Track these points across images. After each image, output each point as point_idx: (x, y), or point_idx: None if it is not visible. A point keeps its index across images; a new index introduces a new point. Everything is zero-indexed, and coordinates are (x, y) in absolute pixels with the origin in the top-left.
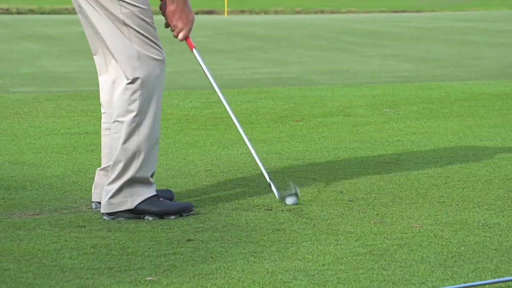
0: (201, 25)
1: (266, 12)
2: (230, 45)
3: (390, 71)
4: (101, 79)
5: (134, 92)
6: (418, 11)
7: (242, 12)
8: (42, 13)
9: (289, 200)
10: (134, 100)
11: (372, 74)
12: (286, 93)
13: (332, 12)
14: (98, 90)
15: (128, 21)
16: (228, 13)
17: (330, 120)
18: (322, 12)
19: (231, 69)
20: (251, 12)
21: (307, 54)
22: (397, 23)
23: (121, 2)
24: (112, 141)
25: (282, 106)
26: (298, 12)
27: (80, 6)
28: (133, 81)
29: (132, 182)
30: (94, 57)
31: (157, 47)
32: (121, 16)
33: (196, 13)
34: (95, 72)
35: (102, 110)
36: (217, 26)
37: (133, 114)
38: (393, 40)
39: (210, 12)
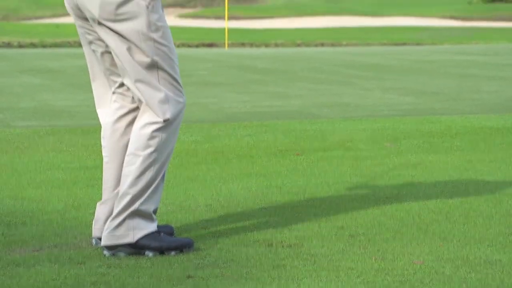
0: (201, 58)
1: (266, 45)
2: (230, 78)
3: (390, 104)
4: (101, 112)
5: (157, 129)
6: (418, 44)
7: (243, 45)
8: (44, 46)
9: None
10: (155, 137)
11: (373, 108)
12: (286, 127)
13: (332, 45)
14: (99, 124)
15: (161, 63)
16: (229, 45)
17: (331, 154)
18: (322, 44)
19: (232, 102)
20: (251, 45)
21: (307, 87)
22: (397, 56)
23: (156, 44)
24: (124, 173)
25: (282, 140)
26: (298, 45)
27: (99, 40)
28: (161, 122)
29: (135, 215)
30: (93, 83)
31: (180, 88)
32: (155, 57)
33: (197, 46)
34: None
35: (103, 144)
36: (218, 59)
37: (151, 149)
38: (393, 73)
39: (210, 45)
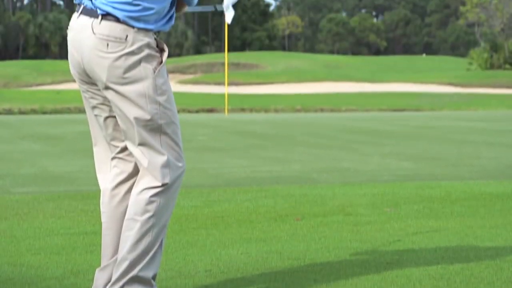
0: (202, 124)
1: (266, 111)
2: (230, 143)
3: (390, 169)
4: (101, 177)
5: (155, 194)
6: (417, 110)
7: (243, 110)
8: (44, 113)
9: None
10: (153, 202)
11: (372, 173)
12: (286, 192)
13: (332, 111)
14: (99, 189)
15: (164, 126)
16: (229, 111)
17: (331, 219)
18: (322, 110)
19: (232, 167)
20: (251, 110)
21: (307, 152)
22: (397, 122)
23: (161, 107)
24: (123, 238)
25: (282, 205)
26: (298, 110)
27: (104, 104)
28: (160, 186)
29: (134, 281)
30: (95, 148)
31: (181, 153)
32: (159, 121)
33: (197, 111)
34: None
35: (102, 209)
36: (218, 125)
37: (150, 214)
38: (393, 138)
39: (210, 110)
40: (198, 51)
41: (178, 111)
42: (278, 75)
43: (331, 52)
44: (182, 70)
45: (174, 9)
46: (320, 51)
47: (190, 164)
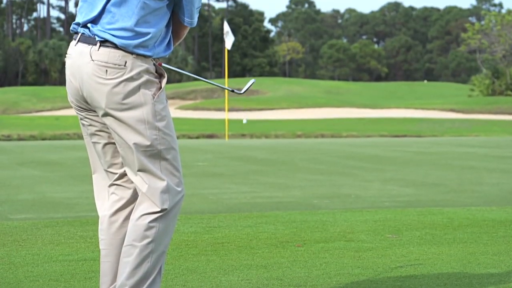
0: (202, 149)
1: (266, 136)
2: (230, 169)
3: (391, 195)
4: (100, 204)
5: (154, 220)
6: (418, 136)
7: (243, 136)
8: (43, 139)
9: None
10: (152, 227)
11: (373, 199)
12: (287, 218)
13: (332, 136)
14: (98, 216)
15: (164, 152)
16: (229, 137)
17: (332, 246)
18: (322, 136)
19: (232, 193)
20: (251, 136)
21: (308, 178)
22: (398, 148)
23: (160, 133)
24: (122, 264)
25: (283, 231)
26: (298, 136)
27: (102, 131)
28: (159, 212)
29: None
30: (94, 175)
31: (181, 179)
32: (159, 147)
33: (197, 137)
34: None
35: (101, 236)
36: (218, 150)
37: (149, 240)
38: (394, 164)
39: (211, 136)
40: (198, 74)
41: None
42: (279, 100)
43: (332, 78)
44: (182, 96)
45: (170, 34)
46: (321, 77)
47: (190, 189)
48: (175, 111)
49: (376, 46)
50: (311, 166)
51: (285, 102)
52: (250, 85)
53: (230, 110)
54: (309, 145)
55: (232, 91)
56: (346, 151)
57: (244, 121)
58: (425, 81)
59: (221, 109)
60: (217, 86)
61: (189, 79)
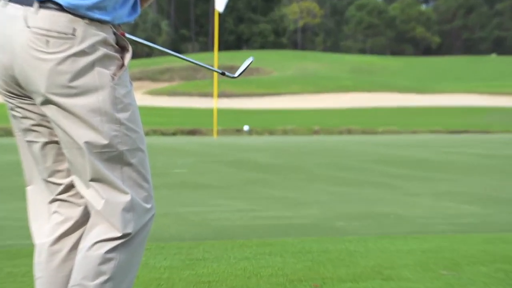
0: (180, 151)
1: (271, 132)
2: (220, 178)
3: (446, 216)
4: (36, 227)
5: (113, 249)
6: (486, 132)
7: (238, 132)
8: None
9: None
10: (110, 260)
11: (422, 220)
12: (299, 247)
13: (364, 132)
14: (33, 245)
15: (127, 155)
16: (219, 133)
17: (363, 286)
18: (349, 132)
19: (222, 211)
20: (250, 132)
21: (328, 190)
22: (456, 149)
23: (122, 128)
24: None
25: (294, 265)
26: (315, 132)
27: (41, 126)
28: (119, 238)
29: None
30: (28, 188)
31: (151, 191)
32: (120, 147)
33: (174, 134)
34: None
35: (37, 273)
36: (203, 152)
37: (105, 277)
38: (451, 172)
39: (193, 132)
40: (176, 49)
41: (148, 133)
42: (288, 83)
43: (362, 51)
44: (153, 77)
45: None
46: (347, 50)
47: (164, 207)
48: (143, 97)
49: (423, 6)
50: (333, 174)
51: (297, 85)
52: (248, 66)
53: (220, 96)
54: (330, 145)
55: (223, 74)
56: (383, 154)
57: (246, 129)
58: (494, 55)
59: (208, 95)
60: (201, 66)
61: (163, 53)
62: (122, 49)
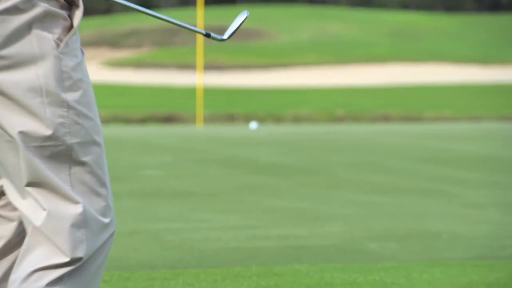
0: (152, 144)
1: (277, 120)
2: (208, 182)
3: None
4: None
5: (59, 280)
6: None
7: (231, 119)
8: None
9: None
10: None
11: (487, 242)
12: (316, 278)
13: (405, 119)
14: None
15: (78, 150)
16: (205, 120)
17: None
18: (385, 118)
19: (210, 229)
20: (247, 119)
21: (356, 200)
22: None
23: (71, 113)
24: None
25: None
26: (339, 119)
27: None
28: (67, 264)
29: None
30: None
31: (109, 198)
32: (68, 139)
33: (142, 122)
34: None
35: None
36: (184, 146)
37: None
38: None
39: (169, 120)
40: (145, 4)
41: (106, 121)
42: (301, 51)
43: (404, 6)
44: (113, 42)
45: None
46: (383, 5)
47: (129, 222)
48: (100, 70)
49: None
50: (362, 178)
51: (313, 54)
52: (241, 24)
53: (207, 68)
54: (360, 136)
55: (207, 35)
56: (432, 149)
57: (253, 127)
58: None
59: (189, 67)
60: (179, 26)
61: (127, 8)
62: (69, 5)
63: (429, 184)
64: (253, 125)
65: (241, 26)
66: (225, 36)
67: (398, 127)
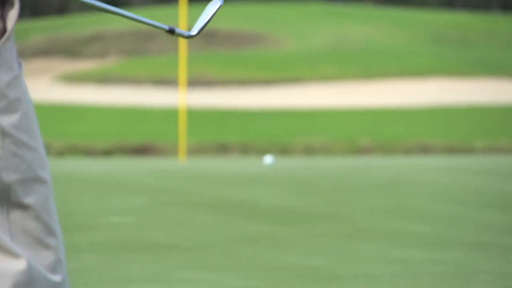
0: (121, 183)
1: (284, 151)
2: (193, 232)
3: None
4: None
5: None
6: None
7: (224, 150)
8: None
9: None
10: None
11: None
12: None
13: (449, 150)
14: None
15: (20, 193)
16: (189, 152)
17: None
18: (425, 149)
19: None
20: (244, 151)
21: (384, 255)
22: None
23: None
24: None
25: None
26: (364, 151)
27: None
28: None
29: None
30: None
31: (60, 251)
32: (5, 177)
33: (108, 154)
34: None
35: None
36: (162, 186)
37: None
38: None
39: (143, 151)
40: (114, 1)
41: (61, 152)
42: (315, 61)
43: (449, 4)
44: (70, 50)
45: None
46: (420, 3)
47: (91, 284)
48: (52, 87)
49: None
50: (393, 227)
51: (331, 66)
52: (213, 15)
53: (192, 84)
54: (390, 172)
55: (171, 31)
56: (485, 189)
57: (268, 161)
58: None
59: (168, 82)
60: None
61: (86, 7)
62: (1, 3)
63: (481, 236)
64: (268, 159)
65: (237, 29)
66: (194, 32)
67: (441, 161)
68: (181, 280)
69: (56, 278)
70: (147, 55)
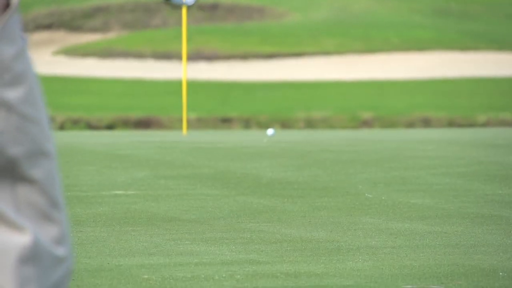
0: (122, 155)
1: (285, 124)
2: (194, 205)
3: None
4: None
5: None
6: None
7: (225, 121)
8: None
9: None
10: None
11: None
12: None
13: (450, 123)
14: None
15: (24, 163)
16: (190, 125)
17: None
18: (427, 123)
19: (198, 265)
20: (247, 124)
21: (385, 228)
22: None
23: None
24: None
25: None
26: (365, 124)
27: None
28: None
29: None
30: None
31: (62, 222)
32: (10, 150)
33: (110, 128)
34: None
35: None
36: (163, 159)
37: None
38: None
39: (145, 124)
40: None
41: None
42: (316, 35)
43: None
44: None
45: None
46: None
47: (93, 257)
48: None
49: None
50: (394, 199)
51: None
52: None
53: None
54: (391, 145)
55: (166, 1)
56: (486, 161)
57: (270, 134)
58: None
59: (170, 56)
60: None
61: None
62: None
63: (482, 208)
64: (270, 131)
65: (239, 2)
66: (190, 1)
67: (442, 134)
68: (183, 252)
69: (61, 251)
70: (148, 28)
